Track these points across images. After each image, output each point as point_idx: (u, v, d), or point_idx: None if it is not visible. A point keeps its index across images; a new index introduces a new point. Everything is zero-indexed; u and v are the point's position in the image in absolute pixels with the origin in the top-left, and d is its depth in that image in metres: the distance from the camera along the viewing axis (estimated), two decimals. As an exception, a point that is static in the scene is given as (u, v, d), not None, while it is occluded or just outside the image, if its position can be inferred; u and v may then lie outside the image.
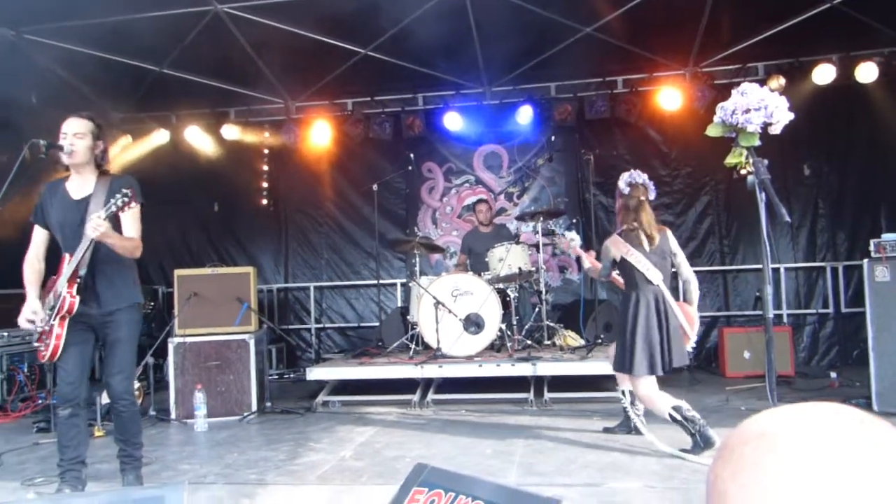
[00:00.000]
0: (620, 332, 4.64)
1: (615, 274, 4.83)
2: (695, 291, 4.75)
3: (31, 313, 3.70)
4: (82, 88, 8.74)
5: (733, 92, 2.95)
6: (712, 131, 3.05)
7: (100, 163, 3.90)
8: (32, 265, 3.85)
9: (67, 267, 3.67)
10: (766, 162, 2.92)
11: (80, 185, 3.83)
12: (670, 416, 4.38)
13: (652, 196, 4.74)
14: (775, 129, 2.94)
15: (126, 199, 3.49)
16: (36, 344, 3.81)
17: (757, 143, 2.96)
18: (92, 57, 7.86)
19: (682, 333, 4.56)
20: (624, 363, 4.55)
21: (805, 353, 8.42)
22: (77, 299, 3.66)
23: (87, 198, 3.77)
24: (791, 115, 2.93)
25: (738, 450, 0.65)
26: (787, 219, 2.80)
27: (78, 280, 3.66)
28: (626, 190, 4.68)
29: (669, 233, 4.75)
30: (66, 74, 8.36)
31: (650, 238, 4.56)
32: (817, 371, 7.61)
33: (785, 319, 8.39)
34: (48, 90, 8.21)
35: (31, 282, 3.82)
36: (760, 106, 2.88)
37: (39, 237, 3.88)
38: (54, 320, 3.66)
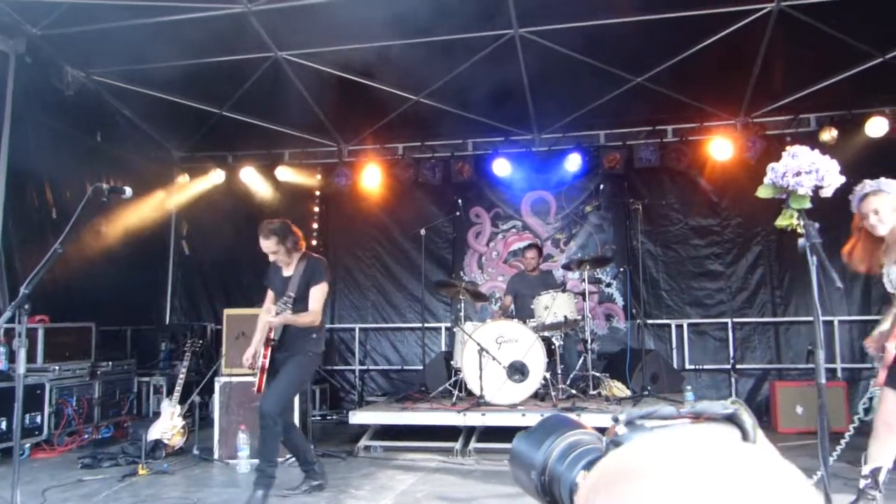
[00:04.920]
0: None
1: None
2: None
3: (249, 355, 4.99)
4: (146, 129, 9.10)
5: (784, 154, 2.92)
6: (763, 193, 3.01)
7: (299, 248, 5.03)
8: (262, 316, 5.02)
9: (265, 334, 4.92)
10: (817, 225, 2.87)
11: (289, 267, 5.06)
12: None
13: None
14: (826, 193, 2.90)
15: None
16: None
17: (808, 205, 2.92)
18: (157, 99, 8.20)
19: None
20: None
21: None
22: (268, 359, 4.85)
23: (289, 278, 4.96)
24: (842, 179, 2.89)
25: (604, 493, 0.63)
26: (839, 285, 2.74)
27: (272, 342, 4.86)
28: None
29: None
30: (132, 115, 8.72)
31: None
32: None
33: (839, 374, 8.15)
34: (113, 129, 8.59)
35: (259, 328, 5.05)
36: (812, 169, 2.84)
37: (269, 295, 5.15)
38: (259, 368, 4.88)
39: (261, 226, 4.99)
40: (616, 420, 0.70)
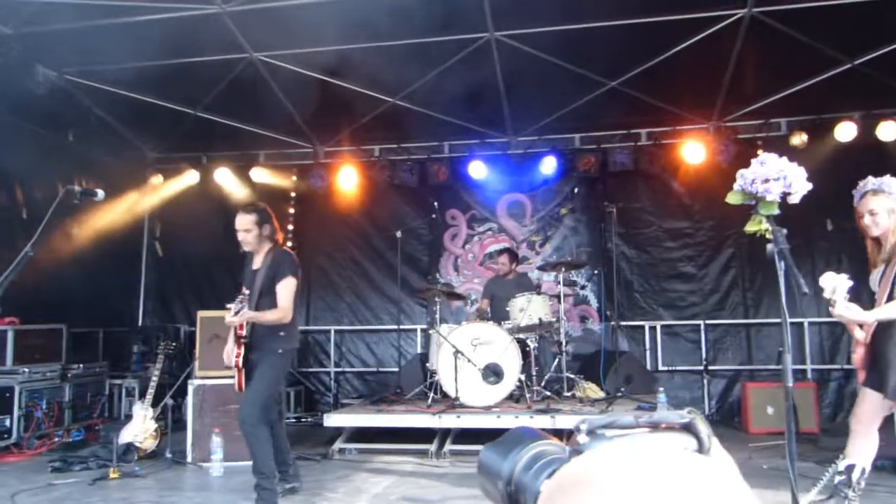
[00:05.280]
0: None
1: None
2: None
3: (226, 352, 4.87)
4: (119, 129, 8.99)
5: (752, 161, 2.97)
6: (732, 199, 3.06)
7: (272, 241, 4.86)
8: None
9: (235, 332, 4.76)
10: (785, 231, 2.92)
11: (258, 258, 4.87)
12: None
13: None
14: (794, 199, 2.95)
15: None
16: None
17: (776, 211, 2.97)
18: (130, 99, 8.08)
19: None
20: None
21: (830, 410, 8.26)
22: (241, 357, 4.72)
23: (257, 272, 4.77)
24: (810, 186, 2.94)
25: (563, 499, 0.66)
26: (805, 290, 2.80)
27: (243, 340, 4.69)
28: None
29: None
30: (105, 115, 8.61)
31: None
32: (842, 428, 7.46)
33: (809, 375, 8.28)
34: (86, 129, 8.47)
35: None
36: (780, 176, 2.89)
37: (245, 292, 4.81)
38: (234, 368, 4.79)
39: (244, 204, 4.88)
40: (578, 429, 0.73)
